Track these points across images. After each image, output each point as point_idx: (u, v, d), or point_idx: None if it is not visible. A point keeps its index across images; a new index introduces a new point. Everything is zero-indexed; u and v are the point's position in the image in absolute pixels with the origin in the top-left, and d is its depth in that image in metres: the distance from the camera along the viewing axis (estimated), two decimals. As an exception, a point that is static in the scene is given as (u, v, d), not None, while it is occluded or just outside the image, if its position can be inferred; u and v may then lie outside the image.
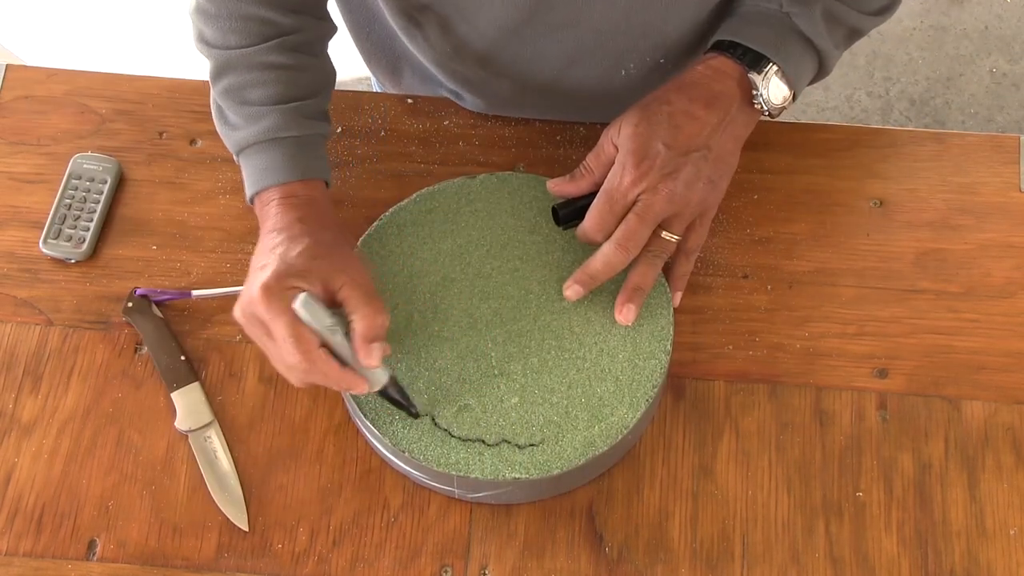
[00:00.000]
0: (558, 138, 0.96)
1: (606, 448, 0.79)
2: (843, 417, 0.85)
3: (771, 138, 0.96)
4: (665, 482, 0.83)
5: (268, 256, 0.76)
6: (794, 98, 0.84)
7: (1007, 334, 0.87)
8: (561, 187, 0.84)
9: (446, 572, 0.80)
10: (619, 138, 0.80)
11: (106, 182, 0.93)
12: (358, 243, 0.87)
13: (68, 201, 0.92)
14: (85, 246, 0.90)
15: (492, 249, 0.86)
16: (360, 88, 1.05)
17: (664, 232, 0.81)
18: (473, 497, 0.81)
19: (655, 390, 0.81)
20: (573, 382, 0.81)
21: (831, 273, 0.90)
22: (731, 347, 0.87)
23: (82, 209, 0.92)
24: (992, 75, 2.15)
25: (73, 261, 0.91)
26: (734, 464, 0.83)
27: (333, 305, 0.76)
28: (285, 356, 0.74)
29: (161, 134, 0.97)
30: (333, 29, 0.89)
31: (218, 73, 0.84)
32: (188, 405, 0.85)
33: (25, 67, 1.01)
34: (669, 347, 0.82)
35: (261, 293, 0.74)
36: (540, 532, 0.81)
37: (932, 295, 0.89)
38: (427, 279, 0.85)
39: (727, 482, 0.83)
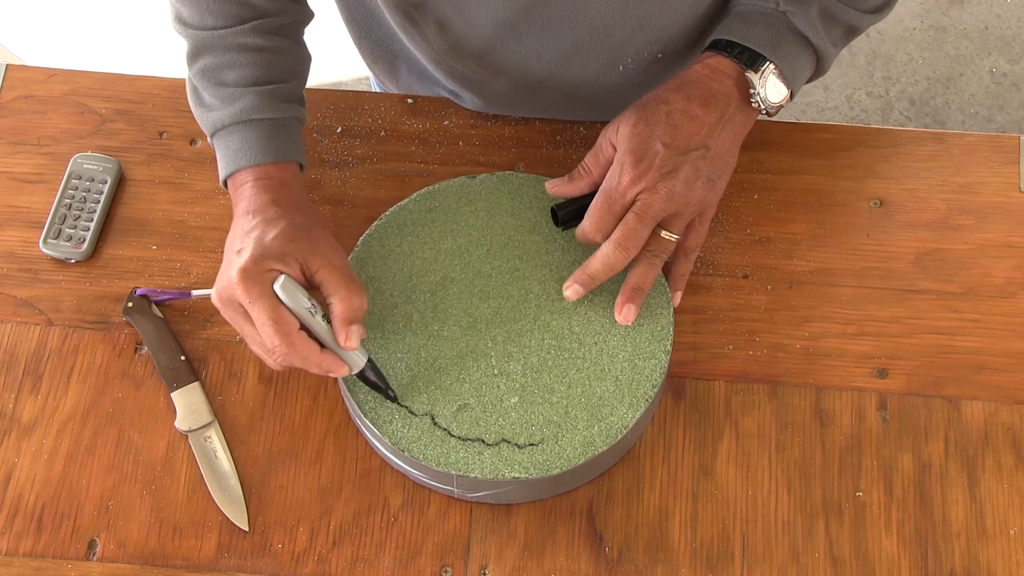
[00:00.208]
0: (558, 138, 0.96)
1: (606, 448, 0.79)
2: (843, 417, 0.85)
3: (771, 138, 0.96)
4: (665, 482, 0.83)
5: (244, 240, 0.77)
6: (791, 96, 0.84)
7: (1007, 334, 0.87)
8: (560, 188, 0.84)
9: (446, 572, 0.80)
10: (617, 138, 0.80)
11: (106, 182, 0.93)
12: (358, 243, 0.87)
13: (68, 201, 0.92)
14: (85, 246, 0.90)
15: (492, 249, 0.86)
16: (360, 88, 1.05)
17: (663, 232, 0.81)
18: (473, 497, 0.81)
19: (655, 390, 0.81)
20: (573, 382, 0.81)
21: (831, 273, 0.90)
22: (731, 347, 0.87)
23: (82, 209, 0.92)
24: (992, 75, 2.15)
25: (73, 261, 0.91)
26: (734, 464, 0.83)
27: (310, 288, 0.77)
28: (265, 339, 0.75)
29: (161, 134, 0.97)
30: (310, 15, 0.89)
31: (194, 54, 0.84)
32: (188, 405, 0.85)
33: (25, 67, 1.01)
34: (669, 347, 0.82)
35: (240, 277, 0.74)
36: (540, 532, 0.81)
37: (932, 295, 0.89)
38: (427, 279, 0.85)
39: (727, 482, 0.83)
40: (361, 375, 0.79)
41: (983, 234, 0.92)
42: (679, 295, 0.85)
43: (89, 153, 0.94)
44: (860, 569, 0.80)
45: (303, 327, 0.75)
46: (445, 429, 0.79)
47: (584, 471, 0.80)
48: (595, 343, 0.82)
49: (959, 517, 0.81)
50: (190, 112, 0.97)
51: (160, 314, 0.88)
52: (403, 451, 0.79)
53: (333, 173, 0.94)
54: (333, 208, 0.93)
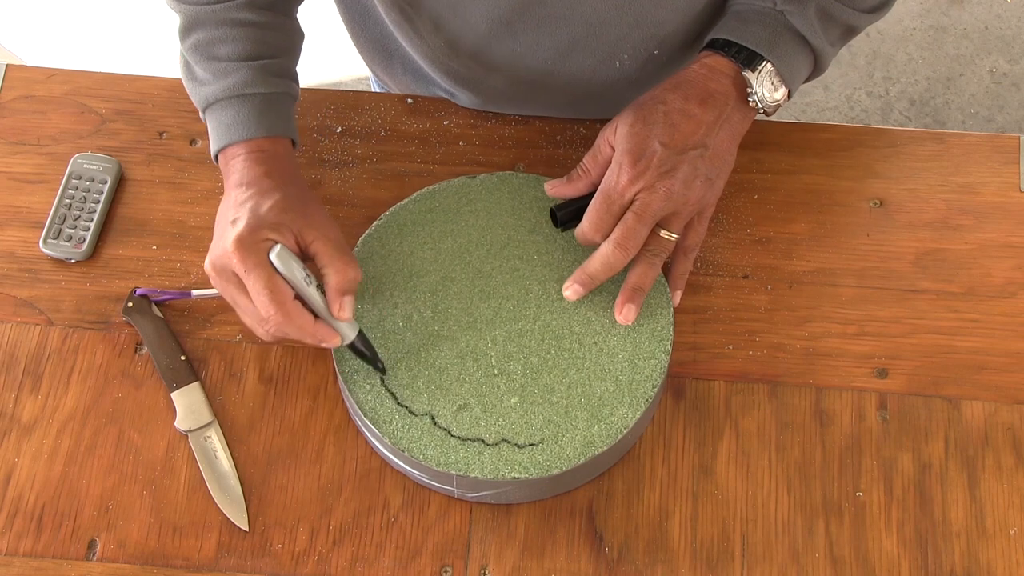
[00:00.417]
0: (558, 138, 0.96)
1: (606, 448, 0.79)
2: (843, 417, 0.85)
3: (771, 138, 0.96)
4: (665, 482, 0.83)
5: (239, 210, 0.77)
6: (789, 96, 0.84)
7: (1007, 334, 0.87)
8: (558, 189, 0.84)
9: (446, 572, 0.80)
10: (615, 138, 0.80)
11: (106, 182, 0.93)
12: (358, 243, 0.87)
13: (68, 201, 0.92)
14: (85, 246, 0.90)
15: (492, 249, 0.86)
16: (360, 88, 1.05)
17: (663, 231, 0.81)
18: (473, 496, 0.81)
19: (655, 390, 0.81)
20: (573, 382, 0.81)
21: (831, 273, 0.90)
22: (731, 347, 0.87)
23: (82, 209, 0.92)
24: (992, 75, 2.15)
25: (73, 261, 0.91)
26: (734, 464, 0.83)
27: (304, 259, 0.77)
28: (260, 308, 0.75)
29: (161, 134, 0.97)
30: None
31: (187, 28, 0.84)
32: (188, 405, 0.85)
33: (25, 67, 1.01)
34: (669, 347, 0.82)
35: (235, 245, 0.74)
36: (540, 532, 0.81)
37: (932, 295, 0.89)
38: (427, 279, 0.85)
39: (727, 482, 0.83)
40: (352, 346, 0.80)
41: (983, 234, 0.92)
42: (679, 295, 0.85)
43: (89, 153, 0.94)
44: (860, 569, 0.80)
45: (297, 297, 0.76)
46: (445, 429, 0.79)
47: (584, 471, 0.80)
48: (595, 343, 0.82)
49: (959, 517, 0.81)
50: (190, 112, 0.97)
51: (160, 314, 0.88)
52: (403, 451, 0.79)
53: (333, 173, 0.94)
54: (333, 208, 0.93)
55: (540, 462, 0.78)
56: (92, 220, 0.91)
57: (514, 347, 0.82)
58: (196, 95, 0.84)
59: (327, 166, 0.95)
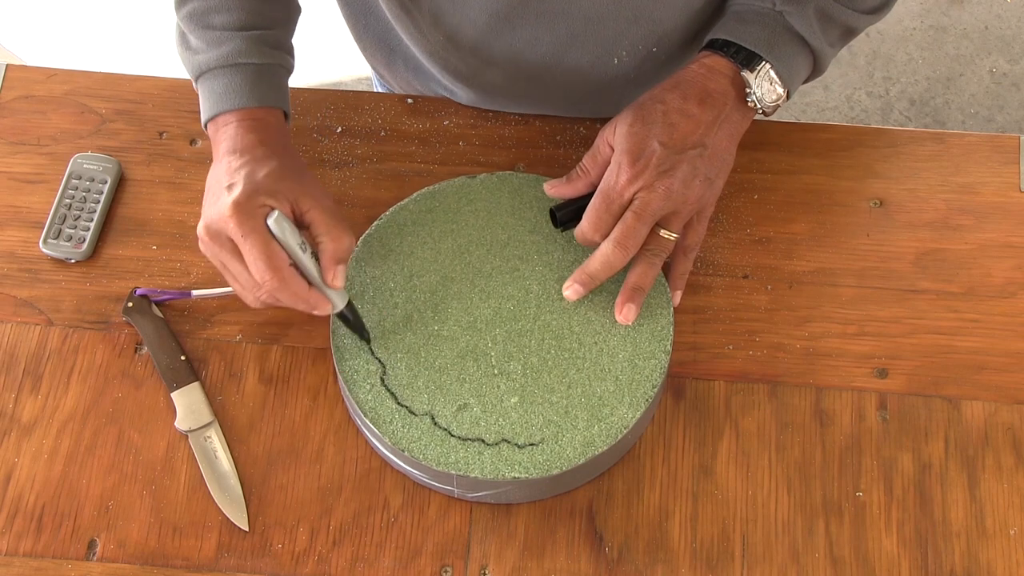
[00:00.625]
0: (558, 138, 0.96)
1: (606, 448, 0.79)
2: (843, 417, 0.85)
3: (771, 138, 0.96)
4: (665, 482, 0.83)
5: (234, 176, 0.77)
6: (788, 97, 0.84)
7: (1007, 334, 0.87)
8: (558, 189, 0.85)
9: (446, 572, 0.80)
10: (614, 138, 0.80)
11: (106, 182, 0.93)
12: (358, 243, 0.87)
13: (68, 201, 0.92)
14: (85, 246, 0.90)
15: (492, 249, 0.86)
16: (360, 88, 1.05)
17: (662, 231, 0.81)
18: (473, 496, 0.81)
19: (655, 390, 0.81)
20: (573, 382, 0.81)
21: (831, 273, 0.90)
22: (731, 347, 0.87)
23: (82, 209, 0.92)
24: (992, 75, 2.15)
25: (73, 261, 0.91)
26: (734, 464, 0.83)
27: (298, 227, 0.78)
28: (255, 273, 0.75)
29: (161, 134, 0.97)
30: None
31: None
32: (188, 405, 0.85)
33: (25, 67, 1.01)
34: (669, 347, 0.82)
35: (233, 210, 0.75)
36: (540, 532, 0.81)
37: (932, 295, 0.89)
38: (427, 278, 0.85)
39: (727, 482, 0.83)
40: (341, 314, 0.81)
41: (983, 234, 0.92)
42: (679, 294, 0.85)
43: (89, 153, 0.94)
44: (860, 569, 0.80)
45: (291, 264, 0.77)
46: (445, 429, 0.79)
47: (584, 471, 0.80)
48: (595, 343, 0.82)
49: (959, 517, 0.81)
50: (190, 112, 0.97)
51: (160, 314, 0.88)
52: (403, 451, 0.79)
53: (333, 173, 0.94)
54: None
55: (540, 462, 0.78)
56: (92, 220, 0.91)
57: (514, 347, 0.82)
58: (189, 63, 0.85)
59: (327, 166, 0.95)
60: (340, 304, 0.80)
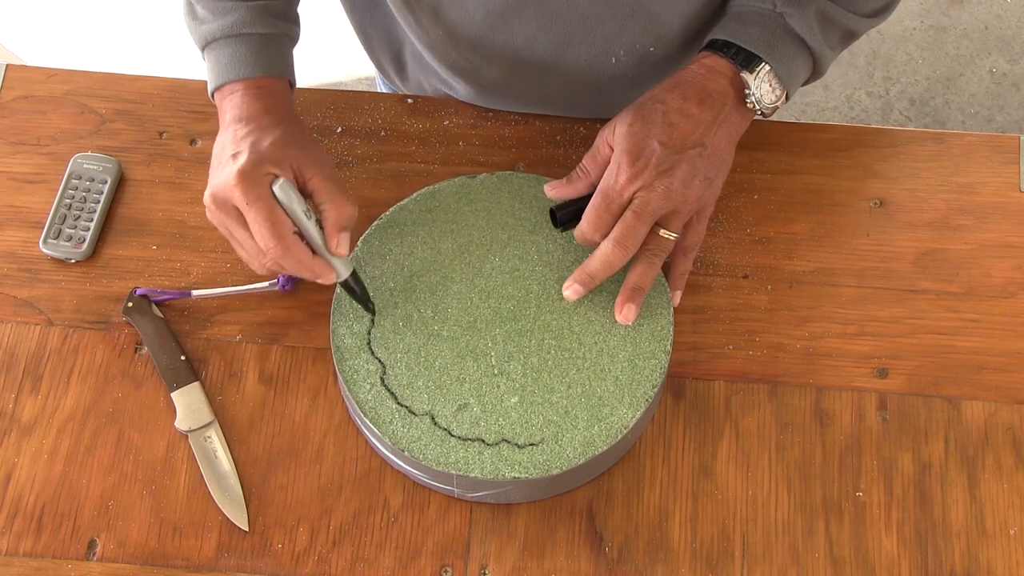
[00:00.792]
0: (558, 138, 0.96)
1: (606, 448, 0.79)
2: (843, 417, 0.85)
3: (771, 138, 0.96)
4: (665, 482, 0.83)
5: (239, 144, 0.78)
6: (787, 98, 0.84)
7: (1007, 334, 0.88)
8: (558, 190, 0.85)
9: (446, 572, 0.80)
10: (614, 138, 0.80)
11: (106, 182, 0.93)
12: (358, 243, 0.87)
13: (68, 201, 0.92)
14: (85, 246, 0.90)
15: (492, 249, 0.86)
16: (360, 88, 1.05)
17: (662, 230, 0.81)
18: (473, 496, 0.81)
19: (655, 390, 0.81)
20: (573, 382, 0.81)
21: (831, 273, 0.90)
22: (731, 347, 0.87)
23: (82, 209, 0.92)
24: (992, 75, 2.15)
25: (73, 261, 0.91)
26: (734, 464, 0.83)
27: (302, 195, 0.78)
28: (260, 240, 0.76)
29: (161, 134, 0.97)
30: None
31: None
32: (188, 405, 0.85)
33: (25, 67, 1.01)
34: (669, 347, 0.82)
35: (238, 178, 0.75)
36: (540, 532, 0.81)
37: (932, 295, 0.89)
38: (427, 279, 0.85)
39: (727, 482, 0.83)
40: (345, 284, 0.81)
41: (983, 234, 0.92)
42: (679, 295, 0.85)
43: (89, 153, 0.94)
44: (860, 569, 0.80)
45: (295, 232, 0.77)
46: (445, 429, 0.79)
47: (584, 471, 0.80)
48: (595, 343, 0.82)
49: (959, 517, 0.81)
50: (190, 112, 0.97)
51: (160, 314, 0.88)
52: (403, 451, 0.79)
53: (333, 173, 0.94)
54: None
55: (540, 462, 0.78)
56: (92, 220, 0.91)
57: (514, 347, 0.82)
58: (195, 33, 0.86)
59: (327, 166, 0.95)
60: (344, 273, 0.81)
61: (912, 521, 0.81)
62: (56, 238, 0.90)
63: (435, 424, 0.80)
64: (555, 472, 0.78)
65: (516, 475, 0.78)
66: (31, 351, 0.87)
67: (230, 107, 0.82)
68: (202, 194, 0.93)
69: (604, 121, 0.84)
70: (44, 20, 2.24)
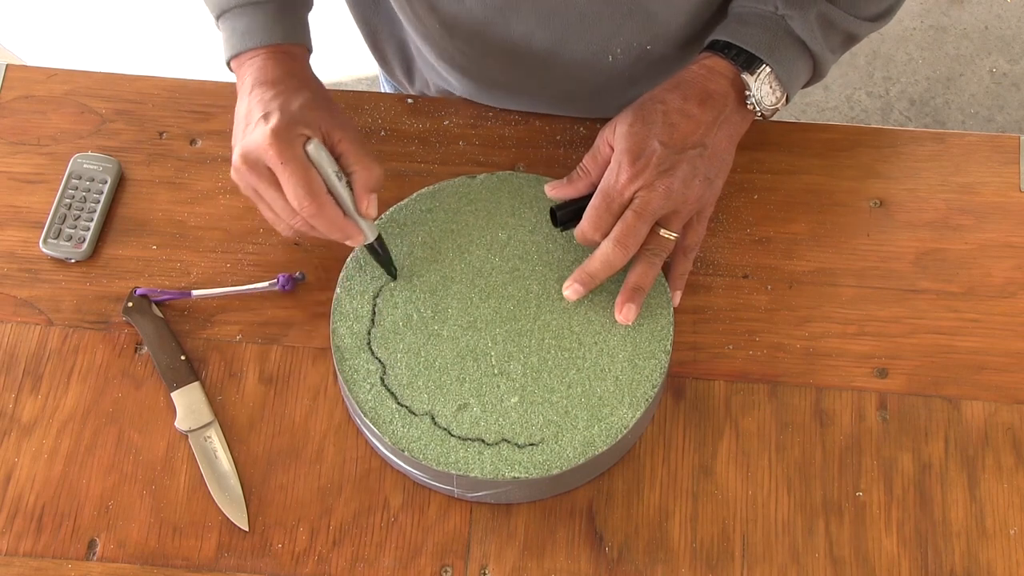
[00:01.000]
0: (558, 138, 0.96)
1: (606, 448, 0.79)
2: (843, 417, 0.85)
3: (771, 138, 0.96)
4: (665, 482, 0.83)
5: (268, 105, 0.78)
6: (787, 100, 0.84)
7: (1007, 334, 0.88)
8: (559, 190, 0.85)
9: (446, 572, 0.80)
10: (615, 137, 0.81)
11: (106, 182, 0.93)
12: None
13: (68, 201, 0.92)
14: (85, 246, 0.90)
15: (492, 249, 0.86)
16: (360, 88, 1.05)
17: (662, 230, 0.81)
18: (473, 496, 0.81)
19: (655, 390, 0.81)
20: (573, 382, 0.81)
21: (831, 273, 0.90)
22: (731, 347, 0.87)
23: (82, 209, 0.92)
24: (992, 75, 2.15)
25: (73, 261, 0.91)
26: (734, 464, 0.83)
27: None
28: (294, 200, 0.76)
29: (161, 134, 0.97)
30: None
31: None
32: (188, 405, 0.85)
33: (25, 67, 1.01)
34: (669, 347, 0.82)
35: (272, 138, 0.76)
36: (540, 532, 0.81)
37: (932, 295, 0.89)
38: (427, 279, 0.85)
39: (727, 482, 0.83)
40: (371, 247, 0.82)
41: (983, 234, 0.92)
42: (679, 295, 0.85)
43: (89, 153, 0.94)
44: (860, 569, 0.80)
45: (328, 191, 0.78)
46: (445, 429, 0.79)
47: (584, 471, 0.80)
48: (595, 343, 0.82)
49: (959, 517, 0.81)
50: (190, 112, 0.97)
51: (160, 314, 0.88)
52: (403, 451, 0.79)
53: (333, 173, 0.94)
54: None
55: (540, 462, 0.78)
56: (92, 220, 0.91)
57: (514, 347, 0.82)
58: (210, 2, 0.85)
59: (327, 166, 0.95)
60: (371, 235, 0.82)
61: (912, 521, 0.81)
62: (56, 238, 0.90)
63: (435, 424, 0.80)
64: (555, 472, 0.78)
65: (516, 475, 0.78)
66: (31, 351, 0.87)
67: (250, 72, 0.82)
68: (202, 194, 0.94)
69: (604, 121, 0.84)
70: (44, 20, 2.24)
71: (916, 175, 0.94)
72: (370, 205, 0.79)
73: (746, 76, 0.82)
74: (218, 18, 0.85)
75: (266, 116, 0.77)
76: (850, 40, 0.87)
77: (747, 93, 0.82)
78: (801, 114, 2.12)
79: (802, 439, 0.84)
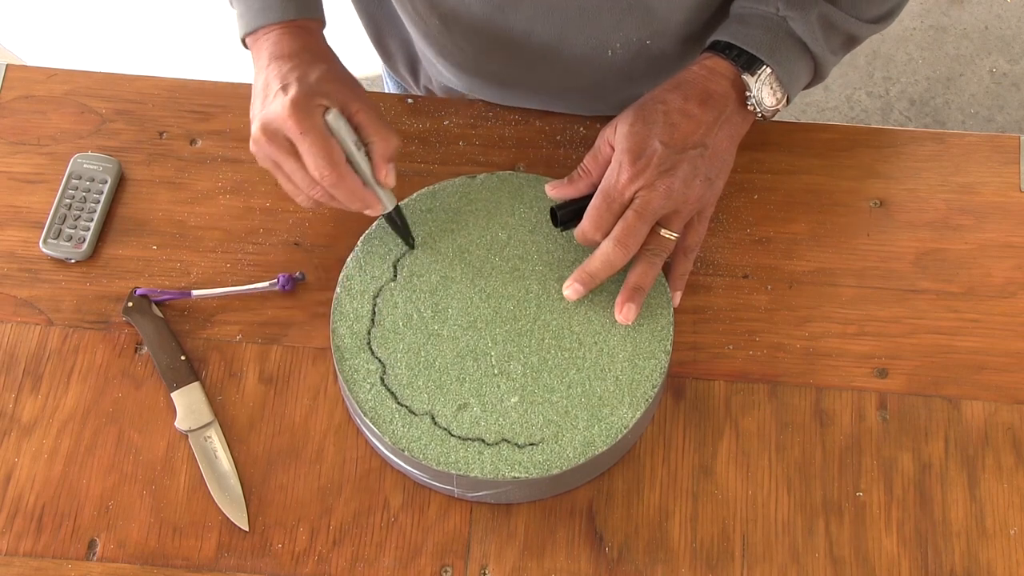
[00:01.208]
0: (558, 138, 0.96)
1: (605, 448, 0.79)
2: (843, 417, 0.85)
3: (771, 138, 0.96)
4: (665, 482, 0.83)
5: (287, 77, 0.79)
6: (788, 102, 0.84)
7: (1007, 334, 0.87)
8: (559, 190, 0.85)
9: (446, 572, 0.80)
10: (615, 137, 0.81)
11: (106, 182, 0.93)
12: (358, 243, 0.87)
13: (68, 201, 0.92)
14: (85, 246, 0.90)
15: (492, 249, 0.86)
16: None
17: (663, 230, 0.81)
18: (473, 496, 0.81)
19: (655, 390, 0.81)
20: (573, 381, 0.81)
21: (831, 273, 0.90)
22: (731, 347, 0.87)
23: (82, 209, 0.92)
24: (992, 75, 2.15)
25: (73, 261, 0.91)
26: (734, 464, 0.83)
27: None
28: (314, 170, 0.77)
29: (161, 134, 0.97)
30: None
31: None
32: (188, 405, 0.85)
33: (25, 67, 1.01)
34: (669, 347, 0.82)
35: (292, 108, 0.77)
36: (540, 532, 0.81)
37: (932, 295, 0.89)
38: (427, 278, 0.85)
39: (727, 482, 0.83)
40: (389, 216, 0.84)
41: (983, 234, 0.92)
42: (679, 295, 0.85)
43: (89, 153, 0.94)
44: (860, 569, 0.80)
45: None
46: (445, 429, 0.79)
47: (584, 471, 0.80)
48: (595, 343, 0.82)
49: (959, 517, 0.81)
50: (190, 112, 0.97)
51: (160, 314, 0.88)
52: (403, 451, 0.79)
53: (333, 173, 0.94)
54: (333, 208, 0.93)
55: (540, 462, 0.78)
56: (92, 220, 0.91)
57: (514, 347, 0.82)
58: None
59: (327, 166, 0.95)
60: (389, 205, 0.83)
61: (912, 521, 0.81)
62: (56, 238, 0.90)
63: (435, 424, 0.80)
64: (555, 472, 0.78)
65: (516, 475, 0.78)
66: (31, 351, 0.87)
67: (266, 46, 0.82)
68: (202, 194, 0.94)
69: (604, 120, 0.84)
70: (44, 20, 2.24)
71: (916, 175, 0.94)
72: (388, 174, 0.80)
73: (747, 77, 0.82)
74: None
75: (284, 88, 0.78)
76: (851, 42, 0.87)
77: (747, 94, 0.82)
78: (801, 114, 2.12)
79: (802, 439, 0.84)
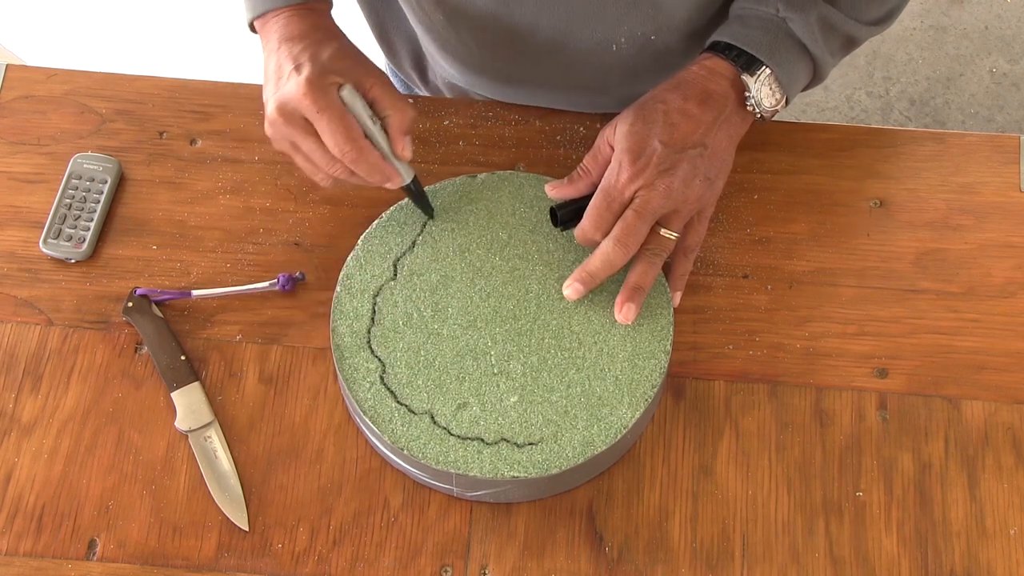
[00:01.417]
0: (558, 138, 0.96)
1: (605, 447, 0.79)
2: (843, 417, 0.85)
3: (771, 138, 0.96)
4: (665, 482, 0.83)
5: (299, 57, 0.79)
6: (787, 103, 0.84)
7: (1007, 334, 0.87)
8: (559, 190, 0.85)
9: (446, 572, 0.80)
10: (615, 137, 0.81)
11: (106, 182, 0.93)
12: (358, 243, 0.87)
13: (68, 201, 0.92)
14: (85, 246, 0.90)
15: (492, 248, 0.86)
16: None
17: (663, 230, 0.81)
18: (472, 496, 0.81)
19: (655, 390, 0.81)
20: (572, 381, 0.81)
21: (831, 273, 0.90)
22: (731, 347, 0.87)
23: (82, 209, 0.92)
24: (992, 75, 2.15)
25: (73, 261, 0.91)
26: (734, 464, 0.83)
27: None
28: (334, 147, 0.77)
29: (161, 134, 0.97)
30: None
31: None
32: (188, 405, 0.85)
33: (25, 67, 1.01)
34: (669, 347, 0.82)
35: (307, 87, 0.77)
36: (540, 532, 0.81)
37: (932, 295, 0.89)
38: (427, 278, 0.85)
39: (727, 482, 0.83)
40: (408, 187, 0.84)
41: (983, 234, 0.92)
42: (679, 295, 0.85)
43: (89, 153, 0.94)
44: (860, 569, 0.80)
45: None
46: (444, 428, 0.79)
47: (584, 471, 0.80)
48: (595, 343, 0.82)
49: (959, 517, 0.81)
50: (190, 112, 0.97)
51: (160, 314, 0.88)
52: (403, 450, 0.79)
53: (333, 173, 0.94)
54: (333, 208, 0.93)
55: (539, 461, 0.78)
56: (92, 220, 0.91)
57: (514, 346, 0.82)
58: None
59: (327, 166, 0.95)
60: (408, 177, 0.83)
61: (912, 521, 0.81)
62: (56, 238, 0.90)
63: (434, 423, 0.80)
64: (554, 471, 0.78)
65: (515, 474, 0.78)
66: (31, 351, 0.87)
67: (276, 29, 0.82)
68: (202, 194, 0.94)
69: (606, 118, 0.84)
70: (44, 20, 2.24)
71: (916, 175, 0.94)
72: (405, 147, 0.81)
73: (746, 77, 0.82)
74: None
75: (298, 68, 0.78)
76: (850, 44, 0.87)
77: (747, 94, 0.82)
78: (801, 114, 2.12)
79: (802, 439, 0.84)
